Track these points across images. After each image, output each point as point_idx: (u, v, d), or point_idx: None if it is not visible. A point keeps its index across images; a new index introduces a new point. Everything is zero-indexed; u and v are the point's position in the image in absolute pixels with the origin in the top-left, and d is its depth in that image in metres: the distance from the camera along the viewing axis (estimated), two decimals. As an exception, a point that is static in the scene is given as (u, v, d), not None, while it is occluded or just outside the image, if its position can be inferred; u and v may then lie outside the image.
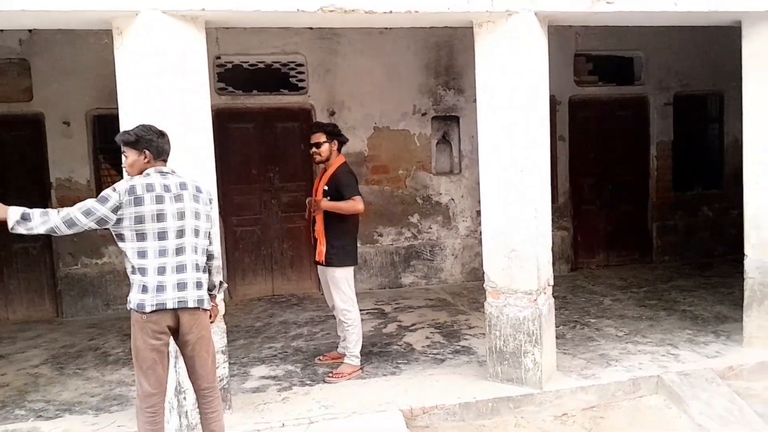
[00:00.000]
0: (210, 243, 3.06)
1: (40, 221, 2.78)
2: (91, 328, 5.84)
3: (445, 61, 6.92)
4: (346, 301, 4.33)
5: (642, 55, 7.41)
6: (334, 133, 4.39)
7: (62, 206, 6.09)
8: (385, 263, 6.97)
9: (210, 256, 3.08)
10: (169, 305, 2.85)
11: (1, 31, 5.83)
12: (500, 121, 3.96)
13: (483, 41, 3.98)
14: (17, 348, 5.32)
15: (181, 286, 2.88)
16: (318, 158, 4.35)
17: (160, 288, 2.85)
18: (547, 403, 3.94)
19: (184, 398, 3.55)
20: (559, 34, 6.29)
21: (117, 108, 3.57)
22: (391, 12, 3.68)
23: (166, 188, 2.91)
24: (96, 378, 4.54)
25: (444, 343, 4.99)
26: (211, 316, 3.11)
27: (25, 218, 2.77)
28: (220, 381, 3.61)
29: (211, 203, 3.08)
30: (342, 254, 4.30)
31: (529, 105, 3.90)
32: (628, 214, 7.59)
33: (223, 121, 6.39)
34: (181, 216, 2.90)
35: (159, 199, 2.87)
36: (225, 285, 3.24)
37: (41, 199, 6.14)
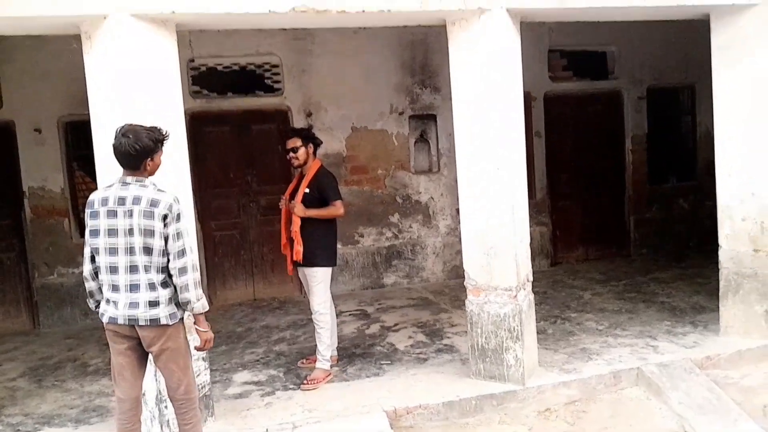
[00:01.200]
0: (169, 260, 2.83)
1: (93, 298, 3.05)
2: (70, 338, 5.74)
3: (421, 59, 6.93)
4: (320, 303, 4.30)
5: (615, 50, 7.49)
6: (310, 137, 4.40)
7: (37, 215, 6.14)
8: (366, 264, 6.96)
9: (169, 273, 2.86)
10: (120, 321, 2.84)
11: (-33, 38, 5.70)
12: (475, 118, 3.97)
13: (456, 39, 3.99)
14: (-7, 361, 5.22)
15: (133, 305, 2.81)
16: (296, 162, 4.36)
17: (115, 304, 2.83)
18: (529, 399, 3.96)
19: (165, 407, 3.51)
20: (533, 30, 6.32)
21: (89, 114, 3.52)
22: (363, 11, 3.67)
23: (121, 201, 2.80)
24: (75, 389, 4.46)
25: (427, 342, 4.99)
26: (202, 342, 2.98)
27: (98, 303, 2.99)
28: (202, 388, 3.57)
29: (166, 219, 2.80)
30: (320, 254, 4.28)
31: (503, 102, 3.91)
32: (606, 207, 7.67)
33: (198, 124, 6.33)
34: (131, 233, 2.78)
35: (110, 214, 2.80)
36: (199, 301, 2.89)
37: (15, 209, 6.03)
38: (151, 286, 2.81)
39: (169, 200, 2.82)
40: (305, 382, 4.21)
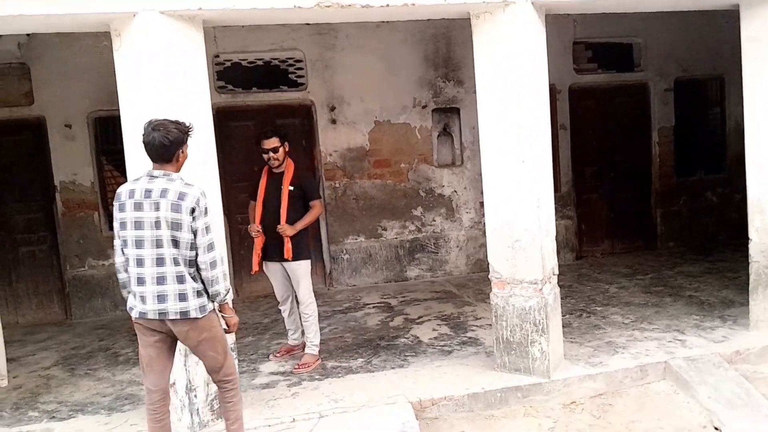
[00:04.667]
0: (197, 255, 2.87)
1: (126, 289, 3.02)
2: (100, 329, 5.88)
3: (444, 52, 6.91)
4: (308, 293, 4.50)
5: (641, 42, 7.38)
6: (285, 136, 4.52)
7: (68, 209, 6.29)
8: (390, 257, 6.99)
9: (197, 267, 2.89)
10: (150, 316, 2.87)
11: (0, 36, 5.84)
12: (500, 111, 3.96)
13: (480, 32, 3.98)
14: (28, 350, 5.37)
15: (161, 298, 2.83)
16: (276, 163, 4.43)
17: (142, 299, 2.86)
18: (555, 391, 3.95)
19: (195, 396, 3.58)
20: (557, 22, 6.26)
21: (118, 109, 3.59)
22: (388, 6, 3.68)
23: (148, 194, 2.83)
24: (107, 378, 4.58)
25: (451, 335, 5.01)
26: (228, 326, 3.08)
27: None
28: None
29: (194, 213, 2.83)
30: (305, 248, 4.53)
31: (528, 94, 3.89)
32: (632, 201, 7.58)
33: (223, 119, 6.39)
34: (158, 225, 2.80)
35: (137, 206, 2.83)
36: (227, 293, 2.98)
37: (47, 203, 6.18)
38: (180, 279, 2.84)
39: (196, 194, 2.86)
40: (297, 367, 4.43)
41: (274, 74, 6.63)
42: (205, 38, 3.67)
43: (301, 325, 4.64)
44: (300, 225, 4.40)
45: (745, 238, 4.57)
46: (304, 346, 4.61)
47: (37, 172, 6.17)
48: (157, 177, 2.87)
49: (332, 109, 6.69)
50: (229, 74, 6.51)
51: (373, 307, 6.02)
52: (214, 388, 3.55)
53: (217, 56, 6.39)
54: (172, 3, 3.40)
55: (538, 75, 3.94)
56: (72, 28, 3.89)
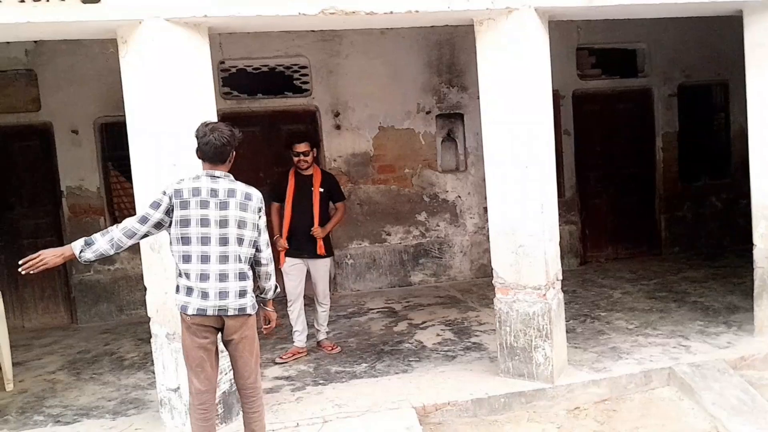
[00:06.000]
0: (259, 251, 3.04)
1: (103, 240, 2.87)
2: (106, 333, 5.91)
3: (448, 58, 6.93)
4: (327, 287, 4.89)
5: (644, 47, 7.39)
6: (316, 141, 4.96)
7: (74, 214, 6.30)
8: (394, 262, 7.00)
9: (258, 262, 3.08)
10: (210, 312, 2.91)
11: (8, 43, 5.89)
12: (504, 117, 3.98)
13: (484, 39, 4.00)
14: (34, 355, 5.39)
15: (223, 294, 2.90)
16: (305, 165, 4.70)
17: (204, 295, 2.89)
18: (559, 397, 3.95)
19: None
20: (560, 28, 6.27)
21: (124, 115, 3.63)
22: (391, 12, 3.71)
23: (213, 193, 2.91)
24: (112, 382, 4.60)
25: (455, 340, 5.01)
26: (268, 321, 3.21)
27: (88, 243, 2.87)
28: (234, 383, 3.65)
29: (260, 212, 3.02)
30: (330, 247, 4.90)
31: (532, 100, 3.91)
32: (636, 206, 7.57)
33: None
34: (225, 224, 2.89)
35: (204, 204, 2.89)
36: (277, 289, 3.21)
37: (53, 208, 6.21)
38: (241, 276, 2.94)
39: (259, 194, 3.04)
40: (330, 349, 4.88)
41: (279, 80, 6.67)
42: (211, 45, 3.71)
43: (307, 323, 4.88)
44: (330, 226, 4.78)
45: (749, 244, 4.57)
46: (308, 351, 4.78)
47: (44, 178, 6.22)
48: (219, 177, 2.96)
49: (337, 114, 6.72)
50: (234, 80, 6.55)
51: (377, 312, 6.03)
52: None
53: (223, 62, 6.43)
54: (177, 10, 3.43)
55: (541, 81, 3.96)
56: (79, 36, 3.92)
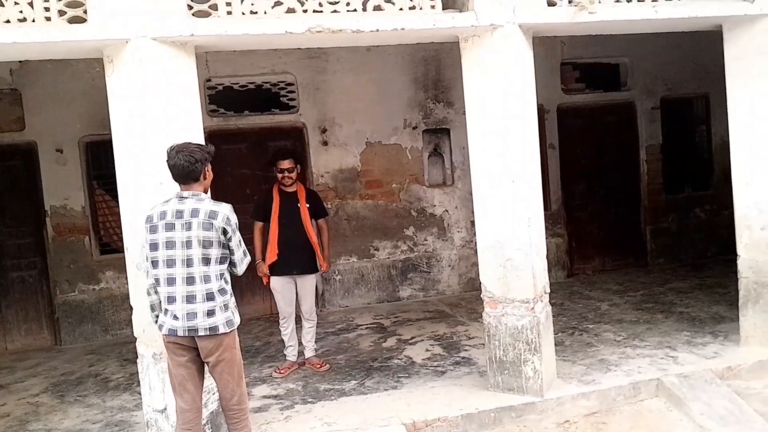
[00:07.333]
0: (234, 265, 3.07)
1: (152, 314, 3.11)
2: (90, 354, 5.83)
3: (434, 75, 6.99)
4: (313, 303, 4.89)
5: (627, 61, 7.50)
6: (300, 158, 4.97)
7: (58, 233, 6.25)
8: (382, 277, 6.99)
9: (233, 271, 3.12)
10: (180, 333, 2.92)
11: (-8, 62, 5.87)
12: (490, 132, 4.01)
13: (469, 55, 4.04)
14: (17, 377, 5.30)
15: (191, 315, 2.91)
16: (289, 182, 4.73)
17: (174, 316, 2.91)
18: (548, 410, 3.95)
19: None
20: (545, 43, 6.37)
21: (109, 134, 3.61)
22: (378, 30, 3.74)
23: (179, 214, 2.92)
24: (97, 404, 4.53)
25: (444, 355, 5.00)
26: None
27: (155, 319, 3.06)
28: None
29: (229, 229, 2.98)
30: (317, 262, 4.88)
31: (517, 115, 3.95)
32: (621, 218, 7.64)
33: (215, 142, 6.33)
34: (189, 245, 2.90)
35: (169, 227, 2.91)
36: (247, 256, 3.17)
37: (37, 228, 6.15)
38: (209, 296, 2.94)
39: (225, 212, 3.00)
40: (319, 366, 4.84)
41: (265, 97, 6.68)
42: (197, 62, 3.71)
43: (299, 339, 4.90)
44: (327, 253, 4.94)
45: (733, 254, 4.62)
46: (302, 364, 4.89)
47: (27, 198, 6.15)
48: (186, 198, 2.96)
49: (324, 131, 6.74)
50: (221, 98, 6.56)
51: (366, 328, 6.01)
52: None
53: (209, 80, 6.43)
54: (164, 30, 3.44)
55: (526, 96, 4.00)
56: (65, 55, 3.92)
